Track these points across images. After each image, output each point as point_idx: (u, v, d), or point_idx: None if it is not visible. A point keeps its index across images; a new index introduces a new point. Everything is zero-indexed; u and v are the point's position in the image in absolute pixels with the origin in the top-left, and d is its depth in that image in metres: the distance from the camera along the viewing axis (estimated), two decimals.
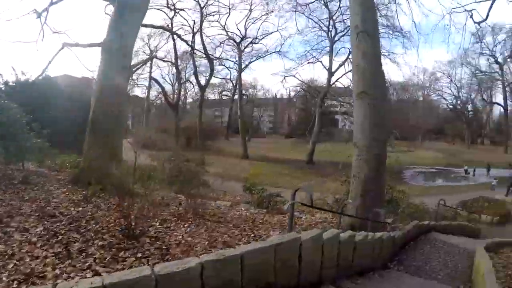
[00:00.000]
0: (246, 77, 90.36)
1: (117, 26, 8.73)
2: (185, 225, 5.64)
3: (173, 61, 40.33)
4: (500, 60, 55.55)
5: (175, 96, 45.59)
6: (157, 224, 5.28)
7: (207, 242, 4.66)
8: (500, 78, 57.69)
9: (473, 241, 9.96)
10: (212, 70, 37.55)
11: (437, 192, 25.31)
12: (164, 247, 4.17)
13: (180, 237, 4.83)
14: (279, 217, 8.14)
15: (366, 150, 7.47)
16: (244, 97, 55.83)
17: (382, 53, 33.44)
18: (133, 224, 4.36)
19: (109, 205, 6.14)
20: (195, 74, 36.54)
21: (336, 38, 38.60)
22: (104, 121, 8.24)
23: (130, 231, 4.28)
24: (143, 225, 4.53)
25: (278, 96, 72.60)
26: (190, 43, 35.86)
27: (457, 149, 58.62)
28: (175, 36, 35.79)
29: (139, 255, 3.78)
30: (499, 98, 62.42)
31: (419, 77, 67.11)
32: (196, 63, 41.71)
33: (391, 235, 6.34)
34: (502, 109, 62.08)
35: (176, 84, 47.99)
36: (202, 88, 37.19)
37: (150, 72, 46.44)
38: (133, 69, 31.64)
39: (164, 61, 42.76)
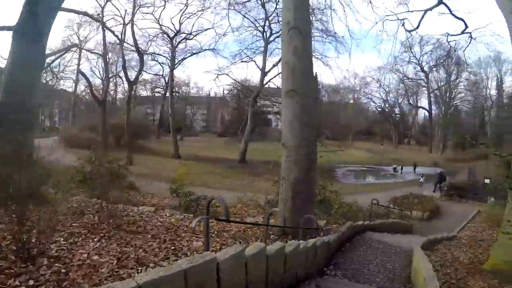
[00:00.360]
0: (180, 74, 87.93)
1: (31, 5, 7.56)
2: (96, 239, 4.87)
3: (102, 53, 37.56)
4: (426, 69, 62.19)
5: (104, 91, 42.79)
6: (62, 239, 4.47)
7: (116, 261, 3.93)
8: (426, 85, 64.00)
9: (407, 238, 10.08)
10: (142, 64, 35.46)
11: (368, 190, 26.16)
12: (63, 270, 3.40)
13: (86, 255, 4.04)
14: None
15: (295, 151, 7.06)
16: (177, 94, 54.74)
17: (315, 56, 34.15)
18: (32, 240, 3.56)
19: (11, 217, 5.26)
20: (124, 68, 34.17)
21: (271, 39, 38.55)
22: (12, 116, 7.11)
23: (25, 251, 3.46)
24: (44, 242, 3.70)
25: (212, 94, 71.74)
26: (120, 34, 33.56)
27: (385, 149, 62.39)
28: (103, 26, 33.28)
29: (31, 282, 3.00)
30: (424, 103, 68.46)
31: (350, 81, 71.05)
32: (127, 56, 39.58)
33: (325, 240, 6.04)
34: (427, 113, 68.06)
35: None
36: (131, 83, 35.02)
37: (78, 64, 43.66)
38: (53, 59, 29.03)
39: (91, 52, 40.03)
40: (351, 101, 76.36)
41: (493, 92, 62.39)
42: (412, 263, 5.80)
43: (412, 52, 52.75)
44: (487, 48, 16.17)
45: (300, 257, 4.66)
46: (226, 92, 57.91)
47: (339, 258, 6.60)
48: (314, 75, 44.13)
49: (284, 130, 7.51)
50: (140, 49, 34.30)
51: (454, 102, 64.32)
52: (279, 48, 38.11)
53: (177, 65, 42.87)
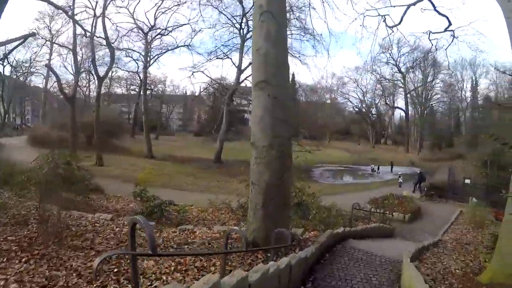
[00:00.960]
0: (156, 71, 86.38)
1: None
2: (24, 259, 3.99)
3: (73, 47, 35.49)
4: (403, 70, 63.39)
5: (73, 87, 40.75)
6: None
7: None
8: (403, 86, 64.83)
9: (391, 244, 9.62)
10: (112, 59, 33.56)
11: (347, 190, 25.74)
12: None
13: (3, 282, 3.25)
14: (168, 232, 6.93)
15: (266, 151, 6.14)
16: (152, 92, 53.14)
17: (293, 54, 33.71)
18: None
19: None
20: (93, 62, 32.40)
21: (248, 36, 37.12)
22: None
23: None
24: None
25: (188, 93, 69.47)
26: (90, 27, 31.62)
27: (362, 149, 62.77)
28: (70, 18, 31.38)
29: None
30: (401, 103, 69.16)
31: (328, 81, 71.65)
32: (101, 52, 38.39)
33: (302, 257, 5.16)
34: (403, 113, 68.77)
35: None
36: (101, 79, 33.16)
37: (49, 60, 41.83)
38: (10, 49, 27.02)
39: (62, 46, 38.12)
40: (328, 101, 76.64)
41: (468, 94, 64.31)
42: (402, 279, 5.31)
43: (390, 53, 56.50)
44: (469, 47, 15.62)
45: (270, 282, 3.74)
46: (202, 90, 56.66)
47: (318, 272, 5.74)
48: (291, 74, 44.27)
49: (253, 127, 6.60)
50: (111, 43, 32.62)
51: (430, 103, 65.20)
52: None
53: (152, 61, 41.32)
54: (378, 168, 41.99)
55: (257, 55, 6.48)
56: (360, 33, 25.29)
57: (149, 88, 46.43)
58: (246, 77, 38.86)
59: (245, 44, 38.34)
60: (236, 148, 37.80)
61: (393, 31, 14.02)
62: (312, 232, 8.37)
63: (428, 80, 62.82)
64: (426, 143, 61.83)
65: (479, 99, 62.01)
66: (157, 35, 39.29)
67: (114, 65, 37.87)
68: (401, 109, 67.97)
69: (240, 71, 38.82)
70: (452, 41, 13.36)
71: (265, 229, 5.92)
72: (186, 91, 70.23)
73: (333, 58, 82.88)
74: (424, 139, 63.05)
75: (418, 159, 50.91)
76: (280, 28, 6.57)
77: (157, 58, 41.96)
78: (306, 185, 12.27)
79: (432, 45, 14.88)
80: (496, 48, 72.87)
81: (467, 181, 23.58)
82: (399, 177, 30.41)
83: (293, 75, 46.92)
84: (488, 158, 23.42)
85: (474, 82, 62.47)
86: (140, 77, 47.17)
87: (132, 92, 61.81)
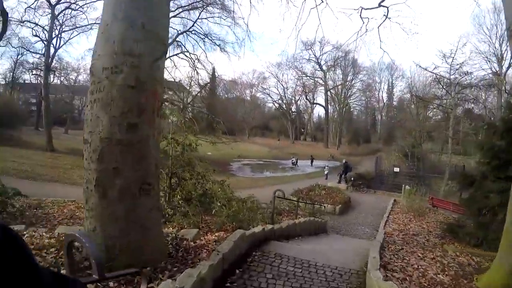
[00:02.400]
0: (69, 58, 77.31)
1: None
2: None
3: None
4: (324, 68, 64.19)
5: None
6: None
7: None
8: (323, 84, 65.13)
9: (332, 244, 7.54)
10: (4, 27, 27.39)
11: (267, 183, 23.45)
12: None
13: None
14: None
15: (108, 79, 3.15)
16: (61, 79, 47.25)
17: (214, 41, 30.57)
18: None
19: None
20: None
21: None
22: None
23: None
24: None
25: None
26: None
27: (282, 144, 61.25)
28: None
29: None
30: (320, 100, 69.17)
31: (249, 76, 71.46)
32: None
33: None
34: (323, 111, 69.57)
35: None
36: None
37: None
38: None
39: None
40: (248, 98, 74.82)
41: (385, 95, 67.34)
42: None
43: (312, 51, 61.43)
44: (402, 29, 14.33)
45: None
46: None
47: None
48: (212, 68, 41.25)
49: (97, 41, 3.48)
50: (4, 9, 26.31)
51: (349, 101, 66.51)
52: None
53: (62, 43, 34.52)
54: (297, 161, 40.46)
55: None
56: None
57: (58, 74, 41.53)
58: None
59: None
60: None
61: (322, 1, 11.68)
62: (215, 234, 5.34)
63: (348, 79, 64.01)
64: (344, 140, 62.82)
65: (394, 100, 65.33)
66: (65, 9, 32.77)
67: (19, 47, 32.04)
68: (321, 105, 67.98)
69: None
70: (385, 20, 11.88)
71: (107, 232, 3.10)
72: None
73: (252, 56, 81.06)
74: (342, 136, 63.94)
75: (338, 153, 50.51)
76: None
77: (67, 40, 35.16)
78: (207, 167, 8.89)
79: (363, 23, 13.15)
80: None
81: (396, 169, 22.59)
82: (325, 168, 28.81)
83: (213, 69, 42.49)
84: (409, 150, 24.19)
85: (390, 85, 65.83)
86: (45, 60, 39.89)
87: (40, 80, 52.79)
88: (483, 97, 37.51)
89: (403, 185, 18.89)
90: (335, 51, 60.41)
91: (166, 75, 27.45)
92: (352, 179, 21.47)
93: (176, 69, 30.20)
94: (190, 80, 30.25)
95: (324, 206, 14.79)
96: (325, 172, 27.85)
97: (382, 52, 51.14)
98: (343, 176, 22.23)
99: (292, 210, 11.66)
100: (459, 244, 9.13)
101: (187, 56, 29.36)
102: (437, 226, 11.79)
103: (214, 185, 8.34)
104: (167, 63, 27.51)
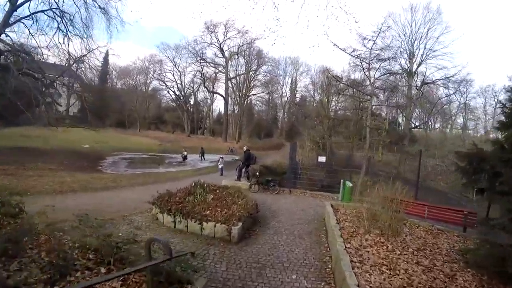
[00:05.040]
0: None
1: None
2: None
3: None
4: (227, 54, 58.63)
5: None
6: None
7: None
8: (224, 72, 59.57)
9: None
10: None
11: (145, 181, 17.99)
12: None
13: None
14: None
15: None
16: None
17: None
18: None
19: None
20: None
21: None
22: None
23: None
24: None
25: None
26: None
27: (176, 138, 55.83)
28: None
29: None
30: (221, 91, 63.13)
31: (145, 63, 64.78)
32: None
33: None
34: (223, 107, 63.94)
35: None
36: None
37: None
38: None
39: None
40: (143, 89, 67.47)
41: (288, 90, 64.80)
42: None
43: (215, 35, 56.06)
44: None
45: None
46: None
47: None
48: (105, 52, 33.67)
49: None
50: None
51: (251, 93, 62.25)
52: None
53: None
54: (186, 156, 34.22)
55: None
56: None
57: None
58: None
59: None
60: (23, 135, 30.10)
61: None
62: None
63: (252, 69, 59.98)
64: (245, 134, 58.51)
65: (297, 96, 63.40)
66: None
67: None
68: (221, 95, 62.01)
69: None
70: None
71: None
72: None
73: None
74: (243, 129, 59.69)
75: (237, 147, 45.01)
76: None
77: None
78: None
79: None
80: None
81: (322, 159, 16.88)
82: (219, 160, 22.53)
83: (107, 52, 37.99)
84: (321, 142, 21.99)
85: (294, 80, 63.54)
86: None
87: None
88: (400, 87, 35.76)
89: (341, 180, 12.48)
90: (241, 37, 56.51)
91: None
92: (258, 174, 14.56)
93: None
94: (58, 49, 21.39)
95: (203, 228, 7.49)
96: (219, 166, 21.71)
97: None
98: (244, 170, 15.44)
99: (128, 243, 4.55)
100: None
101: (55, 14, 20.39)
102: (445, 259, 5.94)
103: None
104: None
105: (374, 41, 24.09)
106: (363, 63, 24.65)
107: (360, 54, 24.47)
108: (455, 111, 45.98)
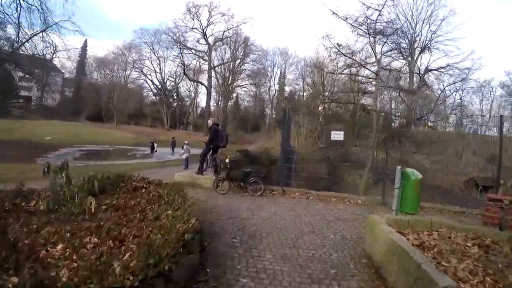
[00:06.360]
0: None
1: None
2: None
3: None
4: (210, 41, 55.88)
5: None
6: None
7: None
8: (207, 60, 56.84)
9: None
10: None
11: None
12: None
13: None
14: None
15: None
16: None
17: None
18: None
19: None
20: None
21: None
22: None
23: None
24: None
25: None
26: None
27: (155, 132, 53.63)
28: None
29: None
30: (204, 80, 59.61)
31: (126, 54, 61.88)
32: None
33: None
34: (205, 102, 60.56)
35: None
36: None
37: None
38: None
39: None
40: (122, 80, 64.40)
41: (276, 82, 62.25)
42: None
43: (198, 18, 53.12)
44: None
45: None
46: None
47: None
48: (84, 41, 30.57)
49: None
50: None
51: (237, 84, 59.99)
52: None
53: None
54: (153, 146, 32.20)
55: None
56: None
57: None
58: None
59: None
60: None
61: None
62: None
63: (238, 57, 57.15)
64: (230, 128, 53.62)
65: (285, 90, 60.97)
66: None
67: None
68: (203, 84, 58.50)
69: None
70: None
71: None
72: None
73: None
74: (228, 122, 55.82)
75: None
76: None
77: None
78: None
79: None
80: None
81: (337, 135, 12.91)
82: (183, 148, 17.87)
83: (85, 41, 39.19)
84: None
85: (282, 73, 61.17)
86: None
87: None
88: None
89: (398, 168, 5.59)
90: (226, 22, 53.64)
91: None
92: (228, 166, 8.87)
93: None
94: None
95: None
96: (183, 157, 16.94)
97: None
98: (209, 156, 10.34)
99: None
100: None
101: None
102: None
103: None
104: None
105: (380, 10, 19.63)
106: (369, 36, 20.25)
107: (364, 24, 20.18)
108: (451, 107, 43.32)
